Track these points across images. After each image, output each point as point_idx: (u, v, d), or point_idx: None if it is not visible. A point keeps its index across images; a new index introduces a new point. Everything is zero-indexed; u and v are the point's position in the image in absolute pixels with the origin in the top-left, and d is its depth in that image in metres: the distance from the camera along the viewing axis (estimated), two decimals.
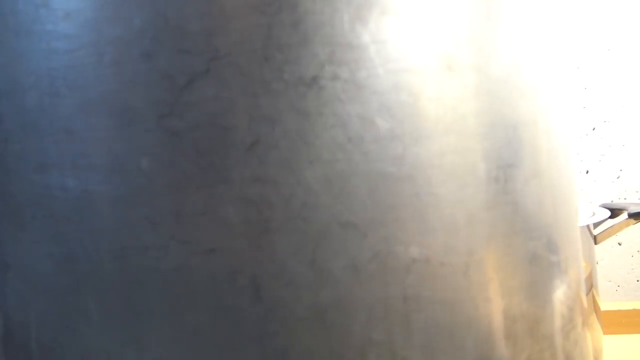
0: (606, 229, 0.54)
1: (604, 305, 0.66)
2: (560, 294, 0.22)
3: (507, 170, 0.20)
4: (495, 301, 0.19)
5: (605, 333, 0.65)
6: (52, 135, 0.17)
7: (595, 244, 0.54)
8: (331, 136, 0.17)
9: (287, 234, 0.17)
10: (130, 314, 0.17)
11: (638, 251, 0.75)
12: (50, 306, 0.18)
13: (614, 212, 0.56)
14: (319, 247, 0.17)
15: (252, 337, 0.17)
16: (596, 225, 0.55)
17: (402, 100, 0.18)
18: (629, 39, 0.74)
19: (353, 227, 0.17)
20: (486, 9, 0.20)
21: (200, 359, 0.17)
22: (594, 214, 0.54)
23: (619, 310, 0.66)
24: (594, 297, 0.51)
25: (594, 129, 0.75)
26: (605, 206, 0.57)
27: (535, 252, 0.20)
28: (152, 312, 0.17)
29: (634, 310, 0.65)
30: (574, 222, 0.23)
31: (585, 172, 0.75)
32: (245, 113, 0.17)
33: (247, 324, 0.17)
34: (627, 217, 0.54)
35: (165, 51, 0.17)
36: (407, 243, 0.18)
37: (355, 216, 0.17)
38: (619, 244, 0.76)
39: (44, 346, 0.18)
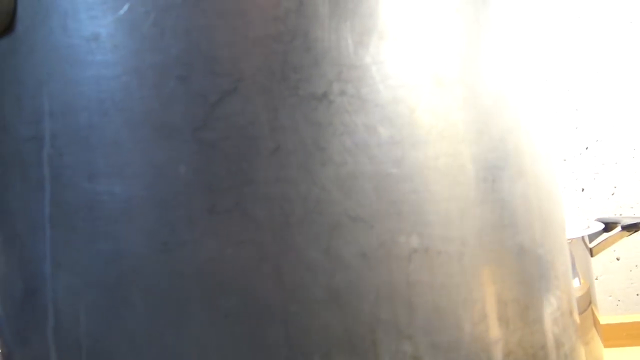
0: (601, 242, 0.56)
1: (605, 319, 0.68)
2: (547, 283, 0.24)
3: (494, 171, 0.22)
4: (488, 286, 0.22)
5: (607, 346, 0.66)
6: (101, 149, 0.20)
7: (592, 256, 0.56)
8: (340, 142, 0.20)
9: (305, 226, 0.19)
10: (170, 301, 0.20)
11: (636, 265, 0.77)
12: (99, 298, 0.20)
13: (608, 226, 0.58)
14: (332, 237, 0.20)
15: (276, 317, 0.19)
16: (592, 238, 0.57)
17: (400, 111, 0.20)
18: (616, 62, 0.77)
19: (361, 220, 0.20)
20: (471, 34, 0.23)
21: (232, 339, 0.19)
22: (588, 227, 0.56)
23: (621, 324, 0.67)
24: (593, 311, 0.53)
25: (587, 148, 0.77)
26: (599, 220, 0.59)
27: (523, 244, 0.23)
28: (190, 299, 0.20)
29: (635, 323, 0.66)
30: (558, 218, 0.26)
31: (581, 190, 0.77)
32: (267, 124, 0.19)
33: (272, 306, 0.19)
34: (620, 229, 0.56)
35: (198, 74, 0.20)
36: (408, 234, 0.20)
37: (363, 210, 0.20)
38: (617, 259, 0.78)
39: (92, 334, 0.21)
